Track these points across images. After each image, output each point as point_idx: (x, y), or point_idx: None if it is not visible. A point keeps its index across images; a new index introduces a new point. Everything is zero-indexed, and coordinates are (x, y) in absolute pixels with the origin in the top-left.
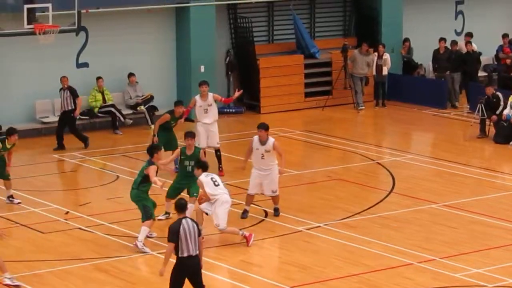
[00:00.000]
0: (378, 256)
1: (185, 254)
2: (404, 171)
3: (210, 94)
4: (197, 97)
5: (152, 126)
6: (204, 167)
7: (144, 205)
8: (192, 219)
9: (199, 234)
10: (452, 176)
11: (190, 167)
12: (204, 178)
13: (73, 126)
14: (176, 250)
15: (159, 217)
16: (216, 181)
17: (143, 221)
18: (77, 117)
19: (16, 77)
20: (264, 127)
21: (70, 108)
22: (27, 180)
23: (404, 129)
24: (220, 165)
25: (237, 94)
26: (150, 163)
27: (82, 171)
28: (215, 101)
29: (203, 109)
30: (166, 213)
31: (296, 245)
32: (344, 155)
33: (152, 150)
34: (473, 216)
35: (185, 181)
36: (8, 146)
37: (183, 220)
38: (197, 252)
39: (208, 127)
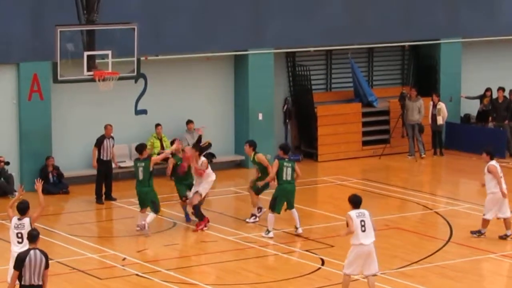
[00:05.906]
0: None
1: (27, 283)
2: (461, 220)
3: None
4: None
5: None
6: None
7: (153, 201)
8: (41, 251)
9: (46, 267)
10: None
11: None
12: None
13: (111, 177)
14: (19, 277)
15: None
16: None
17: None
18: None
19: (75, 123)
20: None
21: (110, 157)
22: (85, 226)
23: (462, 178)
24: None
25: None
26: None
27: (139, 217)
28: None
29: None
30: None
31: None
32: (402, 204)
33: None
34: None
35: None
36: None
37: (31, 251)
38: (40, 282)
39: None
